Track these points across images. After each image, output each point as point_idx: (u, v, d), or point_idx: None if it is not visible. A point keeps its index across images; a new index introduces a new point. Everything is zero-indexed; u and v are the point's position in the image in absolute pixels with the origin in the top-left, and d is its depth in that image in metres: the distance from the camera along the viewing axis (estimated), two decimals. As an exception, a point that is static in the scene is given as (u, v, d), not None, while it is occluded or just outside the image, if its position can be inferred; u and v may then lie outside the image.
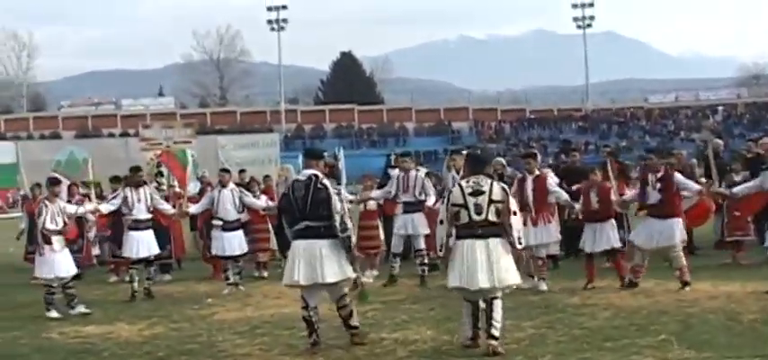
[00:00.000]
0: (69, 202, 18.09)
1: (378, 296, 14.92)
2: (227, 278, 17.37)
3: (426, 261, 16.81)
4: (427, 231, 16.71)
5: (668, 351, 9.92)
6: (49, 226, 15.16)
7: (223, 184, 17.75)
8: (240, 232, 17.75)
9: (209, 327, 13.10)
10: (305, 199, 10.88)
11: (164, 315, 14.41)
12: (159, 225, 19.00)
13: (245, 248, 17.90)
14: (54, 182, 16.06)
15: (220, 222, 17.56)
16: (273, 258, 19.92)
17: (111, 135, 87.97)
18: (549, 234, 15.72)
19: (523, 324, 11.86)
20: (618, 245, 15.44)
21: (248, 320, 13.48)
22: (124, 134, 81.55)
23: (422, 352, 10.57)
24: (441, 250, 10.82)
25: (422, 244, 16.81)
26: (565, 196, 16.09)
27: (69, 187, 20.46)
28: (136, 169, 17.51)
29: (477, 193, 10.55)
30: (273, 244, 19.64)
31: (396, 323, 12.56)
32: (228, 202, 17.51)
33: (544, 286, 15.21)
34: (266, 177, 22.24)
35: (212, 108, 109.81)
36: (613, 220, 15.48)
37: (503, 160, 20.21)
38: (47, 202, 15.48)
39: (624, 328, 11.43)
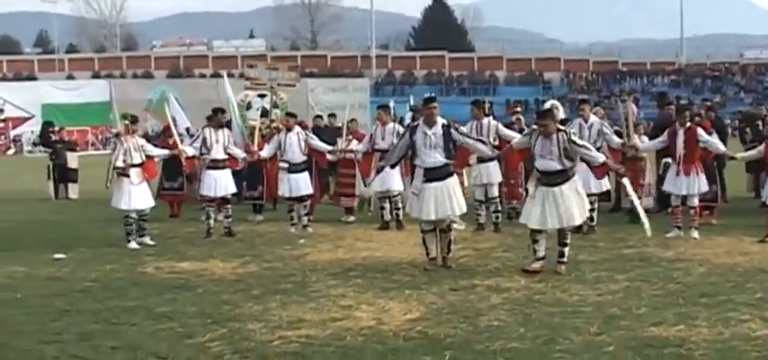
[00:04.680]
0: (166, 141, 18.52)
1: (471, 243, 15.01)
2: (291, 219, 17.65)
3: (499, 208, 17.08)
4: (500, 179, 17.11)
5: (766, 309, 9.76)
6: (119, 163, 15.50)
7: (289, 128, 17.87)
8: (306, 174, 17.78)
9: (302, 267, 13.20)
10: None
11: (256, 255, 14.54)
12: (254, 166, 19.31)
13: (311, 190, 17.95)
14: (133, 119, 16.31)
15: (287, 165, 17.69)
16: (360, 203, 19.92)
17: (203, 76, 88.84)
18: (701, 184, 15.61)
19: (618, 276, 11.81)
20: None
21: (341, 263, 13.56)
22: (215, 75, 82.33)
23: (515, 300, 10.54)
24: None
25: (495, 192, 16.97)
26: (719, 146, 16.13)
27: (166, 128, 20.58)
28: (217, 111, 17.75)
29: None
30: (359, 189, 19.66)
31: (488, 270, 12.58)
32: (295, 145, 17.60)
33: (696, 234, 15.33)
34: (352, 121, 22.23)
35: (303, 52, 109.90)
36: None
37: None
38: (122, 139, 15.76)
39: (720, 284, 11.29)
